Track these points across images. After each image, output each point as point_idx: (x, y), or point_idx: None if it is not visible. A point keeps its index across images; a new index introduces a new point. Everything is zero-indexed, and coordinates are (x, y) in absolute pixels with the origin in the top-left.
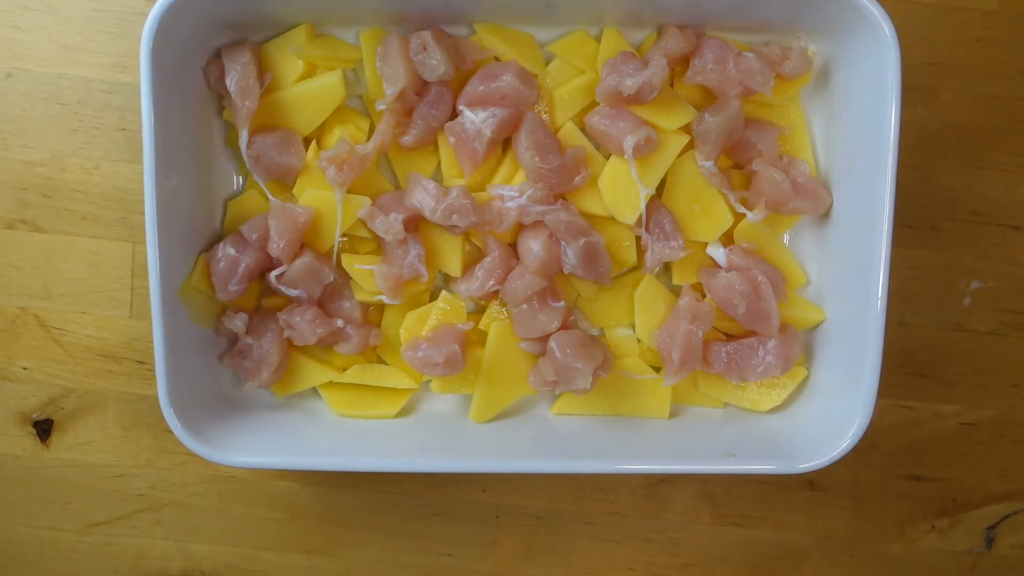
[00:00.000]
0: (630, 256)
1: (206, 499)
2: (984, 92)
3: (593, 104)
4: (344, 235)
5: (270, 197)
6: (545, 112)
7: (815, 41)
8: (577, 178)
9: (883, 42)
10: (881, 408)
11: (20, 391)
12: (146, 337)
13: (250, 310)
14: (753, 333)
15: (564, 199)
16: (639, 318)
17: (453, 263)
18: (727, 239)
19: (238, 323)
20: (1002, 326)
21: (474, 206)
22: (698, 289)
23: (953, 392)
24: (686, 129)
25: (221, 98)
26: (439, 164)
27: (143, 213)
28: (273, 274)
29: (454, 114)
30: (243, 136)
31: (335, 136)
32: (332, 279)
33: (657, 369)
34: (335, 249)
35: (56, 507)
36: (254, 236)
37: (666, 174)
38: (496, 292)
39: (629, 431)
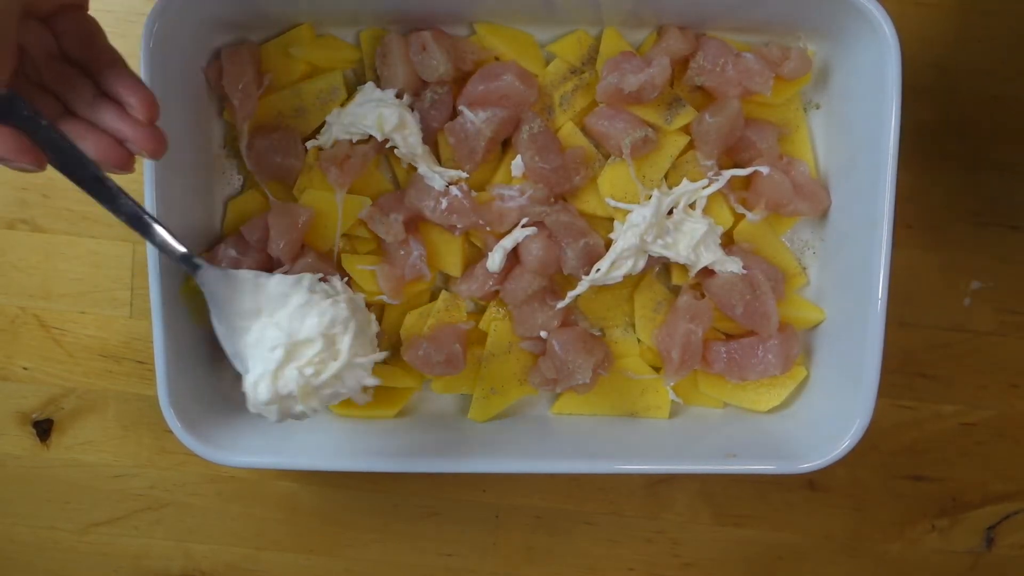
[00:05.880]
0: None
1: (206, 499)
2: (984, 92)
3: (593, 104)
4: (344, 235)
5: (270, 197)
6: (545, 112)
7: (815, 41)
8: (577, 178)
9: (883, 42)
10: (881, 408)
11: (20, 391)
12: (146, 337)
13: None
14: (752, 333)
15: (564, 199)
16: (639, 318)
17: (453, 263)
18: (727, 239)
19: None
20: (1002, 326)
21: (474, 206)
22: (697, 289)
23: (953, 392)
24: (686, 129)
25: (222, 98)
26: (439, 164)
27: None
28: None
29: (454, 114)
30: (243, 137)
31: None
32: None
33: (657, 369)
34: (336, 249)
35: (56, 507)
36: (255, 237)
37: (666, 174)
38: (496, 292)
39: (629, 431)
